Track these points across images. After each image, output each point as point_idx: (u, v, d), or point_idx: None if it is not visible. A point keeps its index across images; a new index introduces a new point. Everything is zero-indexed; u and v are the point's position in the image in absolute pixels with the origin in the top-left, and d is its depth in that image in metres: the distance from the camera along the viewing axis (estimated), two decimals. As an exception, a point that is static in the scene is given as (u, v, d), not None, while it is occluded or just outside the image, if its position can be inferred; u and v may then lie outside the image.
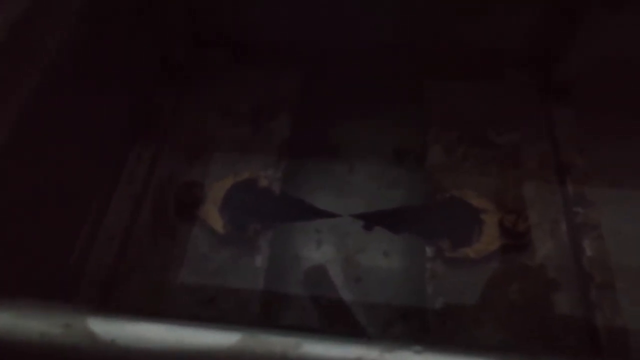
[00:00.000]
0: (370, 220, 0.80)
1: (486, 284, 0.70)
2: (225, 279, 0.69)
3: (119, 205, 0.72)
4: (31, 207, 0.58)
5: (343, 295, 0.75)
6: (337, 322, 0.72)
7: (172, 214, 0.74)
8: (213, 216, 0.72)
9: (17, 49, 0.54)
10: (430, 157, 0.83)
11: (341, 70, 0.90)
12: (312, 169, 0.86)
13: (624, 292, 0.68)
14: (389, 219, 0.79)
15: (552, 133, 0.84)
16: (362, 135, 0.90)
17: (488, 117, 0.87)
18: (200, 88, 0.88)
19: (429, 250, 0.72)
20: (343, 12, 0.86)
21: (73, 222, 0.67)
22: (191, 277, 0.69)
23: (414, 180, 0.85)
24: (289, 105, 0.87)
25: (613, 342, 0.65)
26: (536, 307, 0.69)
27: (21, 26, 0.53)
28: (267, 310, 0.70)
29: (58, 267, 0.64)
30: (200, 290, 0.69)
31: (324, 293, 0.74)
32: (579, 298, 0.69)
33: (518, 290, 0.70)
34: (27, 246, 0.58)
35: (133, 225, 0.72)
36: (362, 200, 0.83)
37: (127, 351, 0.30)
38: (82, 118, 0.66)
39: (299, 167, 0.84)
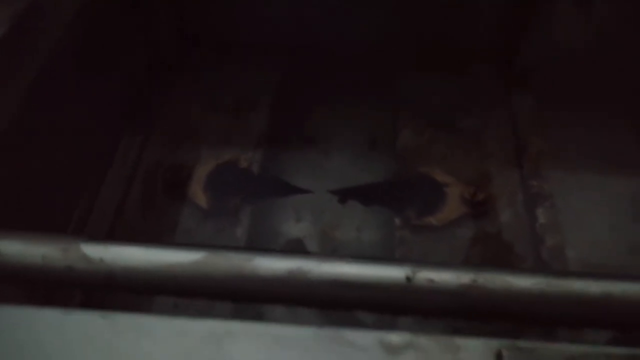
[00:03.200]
0: (344, 195, 0.86)
1: (449, 248, 0.77)
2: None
3: (111, 186, 0.79)
4: (32, 187, 0.65)
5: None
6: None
7: (160, 193, 0.80)
8: (197, 194, 0.79)
9: (17, 43, 0.60)
10: (400, 140, 0.90)
11: (317, 65, 0.97)
12: (289, 156, 0.92)
13: (572, 254, 0.75)
14: (362, 193, 0.86)
15: (513, 118, 0.92)
16: (337, 124, 0.97)
17: (454, 105, 0.94)
18: (186, 82, 0.95)
19: (397, 220, 0.79)
20: (319, 11, 0.93)
21: (69, 201, 0.74)
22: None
23: (386, 164, 0.91)
24: (268, 98, 0.94)
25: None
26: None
27: (22, 22, 0.60)
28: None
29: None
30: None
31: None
32: (532, 259, 0.76)
33: (479, 252, 0.77)
34: (28, 221, 0.65)
35: (124, 203, 0.79)
36: (337, 182, 0.89)
37: (112, 267, 0.37)
38: (78, 108, 0.73)
39: (277, 154, 0.90)
